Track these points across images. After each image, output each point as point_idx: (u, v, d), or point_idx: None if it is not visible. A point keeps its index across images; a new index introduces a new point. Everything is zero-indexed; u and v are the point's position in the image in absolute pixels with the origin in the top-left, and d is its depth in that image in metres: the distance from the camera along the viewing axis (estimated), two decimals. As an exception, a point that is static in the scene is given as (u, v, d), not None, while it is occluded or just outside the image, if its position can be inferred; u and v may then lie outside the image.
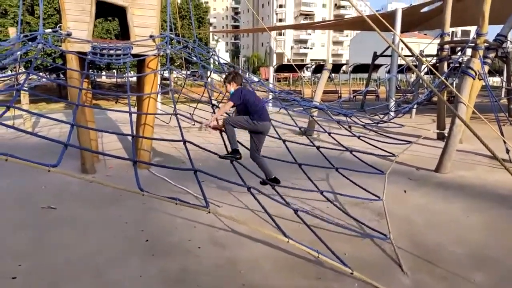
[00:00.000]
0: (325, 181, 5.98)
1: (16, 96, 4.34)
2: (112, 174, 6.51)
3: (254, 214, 4.69)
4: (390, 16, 13.14)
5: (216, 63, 9.35)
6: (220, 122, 4.72)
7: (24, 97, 11.71)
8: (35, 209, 4.88)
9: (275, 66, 22.57)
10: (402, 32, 15.44)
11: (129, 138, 8.57)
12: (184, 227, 4.34)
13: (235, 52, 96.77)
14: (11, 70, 10.83)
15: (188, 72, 25.35)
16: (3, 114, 3.60)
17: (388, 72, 17.32)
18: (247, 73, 12.98)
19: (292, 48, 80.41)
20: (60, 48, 6.30)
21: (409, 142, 6.82)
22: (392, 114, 10.67)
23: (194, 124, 10.77)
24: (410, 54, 15.36)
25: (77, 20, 6.04)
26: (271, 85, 12.77)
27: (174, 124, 11.50)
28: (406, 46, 8.64)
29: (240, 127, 4.61)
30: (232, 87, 4.66)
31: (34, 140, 8.45)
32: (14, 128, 3.70)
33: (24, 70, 10.11)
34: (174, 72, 16.09)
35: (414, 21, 16.18)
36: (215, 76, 12.62)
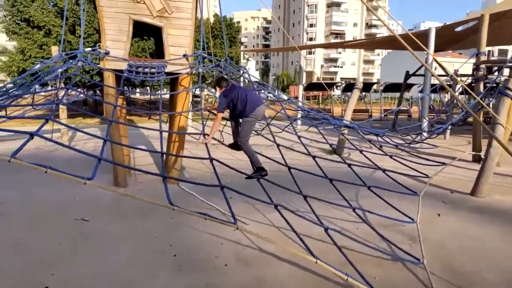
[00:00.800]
0: (355, 201, 5.85)
1: (55, 110, 4.55)
2: (142, 188, 6.64)
3: (281, 232, 4.64)
4: (423, 35, 12.93)
5: (246, 81, 9.49)
6: (210, 139, 5.04)
7: (63, 112, 12.29)
8: (69, 220, 5.05)
9: (305, 85, 22.61)
10: (435, 51, 15.15)
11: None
12: (211, 244, 4.35)
13: (265, 71, 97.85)
14: (51, 86, 11.38)
15: (219, 90, 25.68)
16: (42, 126, 3.78)
17: (421, 91, 16.97)
18: (276, 91, 13.01)
19: (322, 66, 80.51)
20: (98, 65, 6.59)
21: (444, 163, 6.60)
22: (425, 134, 10.39)
23: (223, 141, 10.89)
24: (444, 73, 15.00)
25: (115, 40, 6.32)
26: (300, 103, 12.77)
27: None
28: (440, 66, 8.47)
29: (250, 132, 4.96)
30: (218, 93, 5.04)
31: (70, 153, 8.77)
32: (52, 141, 3.86)
33: (63, 86, 10.62)
34: (205, 90, 16.43)
35: (448, 40, 15.85)
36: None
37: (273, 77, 78.79)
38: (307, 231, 4.27)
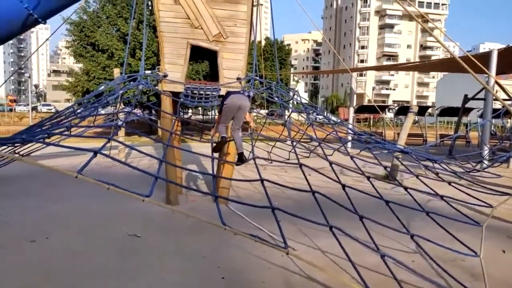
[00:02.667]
0: (410, 229, 5.56)
1: (117, 131, 4.83)
2: (193, 207, 6.78)
3: (329, 258, 4.50)
4: (484, 58, 12.34)
5: (295, 102, 9.53)
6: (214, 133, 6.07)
7: (121, 130, 12.98)
8: (122, 235, 5.23)
9: (356, 107, 22.25)
10: (497, 74, 14.36)
11: (210, 171, 8.99)
12: (259, 267, 4.30)
13: (313, 92, 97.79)
14: (111, 107, 12.10)
15: (266, 111, 26.08)
16: (104, 145, 4.02)
17: (481, 116, 16.05)
18: (325, 113, 12.92)
19: (373, 89, 79.02)
20: (156, 88, 6.93)
21: (509, 194, 6.13)
22: (486, 162, 9.77)
23: (271, 162, 10.97)
24: (507, 97, 14.17)
25: (173, 63, 6.64)
26: (350, 126, 12.56)
27: (252, 162, 11.80)
28: (503, 89, 7.99)
29: (227, 118, 5.54)
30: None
31: (126, 169, 9.19)
32: (113, 159, 4.08)
33: (123, 106, 11.29)
34: (254, 111, 16.70)
35: (512, 62, 14.99)
36: (294, 115, 12.92)
37: (322, 98, 78.48)
38: (360, 260, 4.09)
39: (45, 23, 7.12)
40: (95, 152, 3.45)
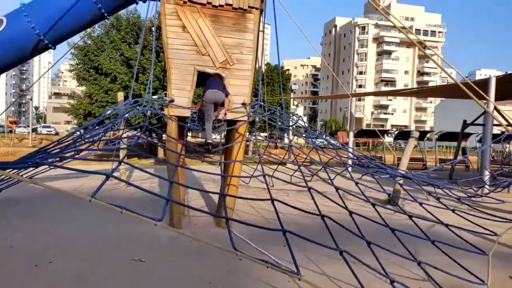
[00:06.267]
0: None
1: (126, 154, 4.89)
2: (197, 231, 6.75)
3: (337, 286, 4.47)
4: (483, 84, 12.56)
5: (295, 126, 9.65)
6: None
7: (122, 153, 13.04)
8: (127, 259, 5.18)
9: (355, 131, 22.43)
10: (496, 100, 14.58)
11: (212, 195, 9.03)
12: (266, 293, 4.28)
13: (312, 116, 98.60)
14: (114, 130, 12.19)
15: (266, 134, 26.25)
16: (115, 168, 4.08)
17: (480, 141, 16.19)
18: (324, 135, 13.04)
19: (372, 113, 79.78)
20: (163, 113, 7.04)
21: (512, 220, 6.16)
22: (487, 187, 9.81)
23: (273, 186, 11.02)
24: (505, 122, 14.32)
25: (180, 89, 6.76)
26: (350, 150, 12.64)
27: (253, 185, 11.82)
28: (501, 115, 8.13)
29: (210, 112, 6.68)
30: None
31: (127, 192, 9.22)
32: (126, 182, 4.13)
33: (127, 130, 11.39)
34: (254, 135, 16.85)
35: (511, 89, 15.24)
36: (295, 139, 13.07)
37: (321, 122, 79.09)
38: (368, 286, 4.08)
39: (54, 48, 7.31)
40: (107, 176, 3.51)
